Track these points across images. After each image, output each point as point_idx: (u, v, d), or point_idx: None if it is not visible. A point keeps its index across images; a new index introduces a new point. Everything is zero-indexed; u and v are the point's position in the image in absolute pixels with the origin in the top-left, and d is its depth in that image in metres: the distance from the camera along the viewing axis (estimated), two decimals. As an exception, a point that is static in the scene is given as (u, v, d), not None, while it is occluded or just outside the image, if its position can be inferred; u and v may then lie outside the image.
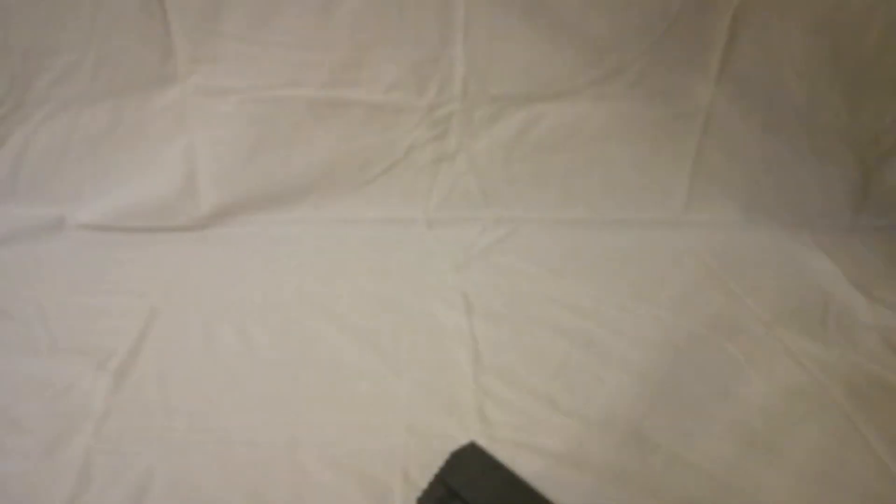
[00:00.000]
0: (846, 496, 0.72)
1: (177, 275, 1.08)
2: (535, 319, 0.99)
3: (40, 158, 1.16)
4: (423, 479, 0.71)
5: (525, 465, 0.73)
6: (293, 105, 1.14)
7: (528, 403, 0.83)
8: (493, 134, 1.20)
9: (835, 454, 0.77)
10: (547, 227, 1.24)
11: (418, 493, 0.70)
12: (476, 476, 0.71)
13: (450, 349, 0.92)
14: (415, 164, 1.21)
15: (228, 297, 1.02)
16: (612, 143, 1.20)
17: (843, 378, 0.88)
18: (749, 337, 0.96)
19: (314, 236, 1.20)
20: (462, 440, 0.76)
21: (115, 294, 1.03)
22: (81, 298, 1.01)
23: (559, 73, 1.14)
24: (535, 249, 1.18)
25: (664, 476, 0.73)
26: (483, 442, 0.76)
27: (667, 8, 1.09)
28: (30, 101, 1.12)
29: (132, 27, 1.06)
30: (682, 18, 1.09)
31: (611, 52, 1.12)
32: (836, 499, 0.72)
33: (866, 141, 1.21)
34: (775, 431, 0.80)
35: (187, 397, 0.82)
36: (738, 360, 0.92)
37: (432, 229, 1.23)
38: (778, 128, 1.20)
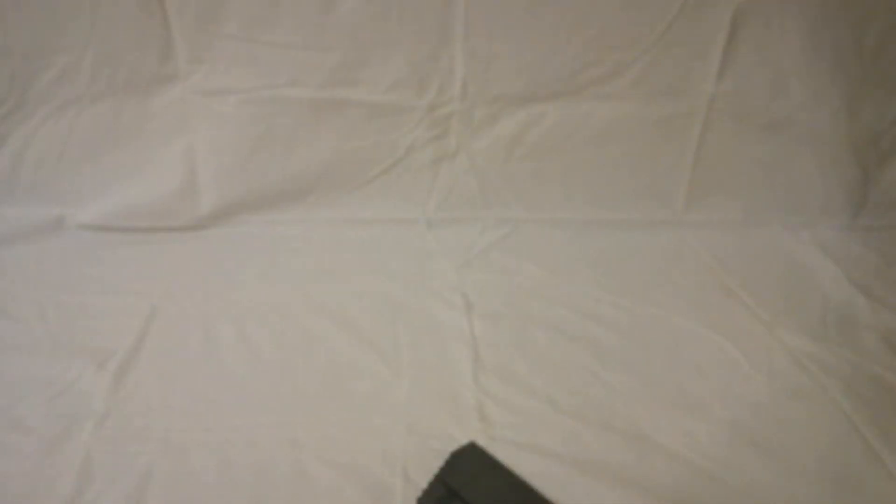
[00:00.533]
0: (846, 496, 0.72)
1: (177, 275, 1.08)
2: (535, 319, 0.99)
3: (40, 158, 1.16)
4: (423, 479, 0.71)
5: (525, 465, 0.73)
6: (293, 105, 1.14)
7: (528, 403, 0.83)
8: (493, 134, 1.19)
9: (834, 454, 0.77)
10: (547, 227, 1.24)
11: (418, 493, 0.70)
12: (476, 476, 0.71)
13: (450, 349, 0.92)
14: (415, 164, 1.21)
15: (228, 297, 1.02)
16: (612, 143, 1.20)
17: (843, 378, 0.88)
18: (749, 337, 0.96)
19: (314, 236, 1.20)
20: (462, 440, 0.76)
21: (115, 294, 1.03)
22: (81, 298, 1.01)
23: (559, 73, 1.14)
24: (535, 249, 1.18)
25: (664, 476, 0.73)
26: (483, 442, 0.76)
27: (667, 7, 1.09)
28: (30, 101, 1.12)
29: (132, 27, 1.06)
30: (682, 18, 1.09)
31: (611, 52, 1.12)
32: (835, 498, 0.72)
33: (866, 141, 1.21)
34: (775, 431, 0.80)
35: (187, 397, 0.82)
36: (738, 360, 0.92)
37: (432, 229, 1.23)
38: (778, 128, 1.20)
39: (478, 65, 1.13)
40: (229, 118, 1.15)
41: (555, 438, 0.77)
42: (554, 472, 0.73)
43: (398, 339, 0.94)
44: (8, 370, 0.86)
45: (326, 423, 0.79)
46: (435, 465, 0.72)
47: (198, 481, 0.71)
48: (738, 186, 1.24)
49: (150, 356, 0.89)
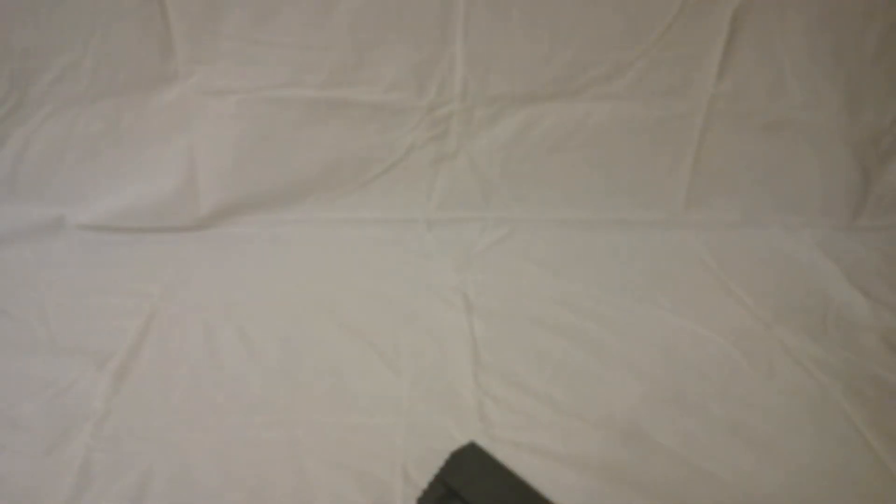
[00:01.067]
0: (846, 496, 0.72)
1: (177, 275, 1.08)
2: (535, 319, 0.99)
3: (40, 158, 1.16)
4: (423, 479, 0.71)
5: (525, 465, 0.73)
6: (293, 105, 1.14)
7: (528, 403, 0.83)
8: (493, 134, 1.19)
9: (834, 454, 0.77)
10: (547, 227, 1.24)
11: (418, 493, 0.70)
12: (476, 476, 0.71)
13: (450, 349, 0.92)
14: (415, 164, 1.21)
15: (228, 297, 1.02)
16: (612, 143, 1.20)
17: (843, 378, 0.88)
18: (749, 337, 0.96)
19: (314, 236, 1.20)
20: (462, 440, 0.76)
21: (115, 294, 1.03)
22: (81, 298, 1.01)
23: (559, 73, 1.14)
24: (535, 249, 1.18)
25: (664, 476, 0.73)
26: (483, 442, 0.76)
27: (667, 8, 1.09)
28: (30, 101, 1.11)
29: (132, 27, 1.06)
30: (682, 18, 1.09)
31: (611, 52, 1.12)
32: (835, 499, 0.72)
33: (866, 141, 1.21)
34: (775, 431, 0.80)
35: (187, 397, 0.82)
36: (738, 360, 0.92)
37: (432, 229, 1.23)
38: (778, 128, 1.20)
39: (478, 65, 1.13)
40: (229, 118, 1.15)
41: (555, 438, 0.77)
42: (554, 472, 0.73)
43: (398, 339, 0.94)
44: (8, 370, 0.86)
45: (326, 422, 0.79)
46: (435, 465, 0.72)
47: (197, 481, 0.71)
48: (738, 186, 1.24)
49: (150, 356, 0.89)
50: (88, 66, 1.09)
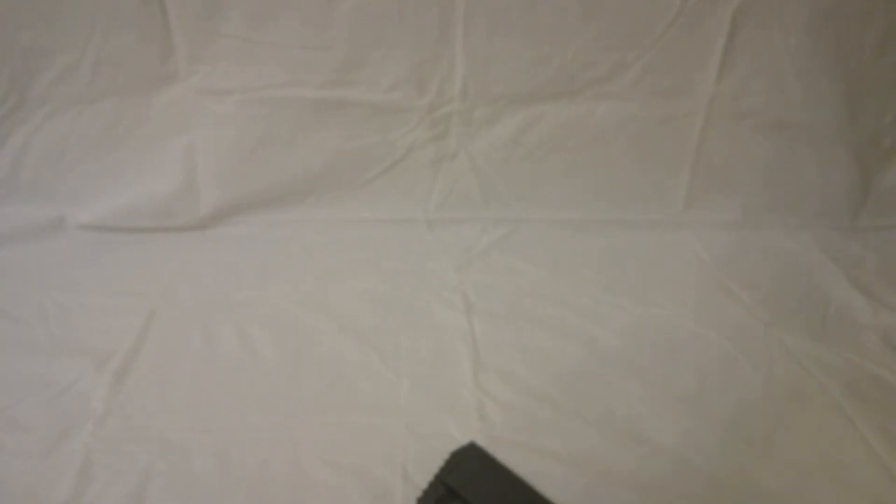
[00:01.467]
0: (845, 496, 0.72)
1: (177, 275, 1.08)
2: (535, 319, 0.99)
3: (40, 158, 1.16)
4: (423, 479, 0.71)
5: (525, 465, 0.73)
6: (293, 105, 1.14)
7: (528, 403, 0.83)
8: (493, 134, 1.19)
9: (834, 454, 0.77)
10: (547, 227, 1.24)
11: (418, 493, 0.70)
12: (476, 476, 0.71)
13: (450, 349, 0.92)
14: (415, 164, 1.21)
15: (228, 297, 1.02)
16: (612, 143, 1.20)
17: (842, 378, 0.88)
18: (749, 337, 0.96)
19: (314, 236, 1.20)
20: (462, 440, 0.76)
21: (115, 294, 1.03)
22: (81, 298, 1.01)
23: (559, 73, 1.14)
24: (535, 249, 1.18)
25: (664, 476, 0.73)
26: (483, 442, 0.76)
27: (666, 8, 1.09)
28: (30, 101, 1.11)
29: (132, 27, 1.06)
30: (682, 19, 1.10)
31: (611, 52, 1.12)
32: (835, 498, 0.72)
33: (866, 141, 1.21)
34: (775, 431, 0.80)
35: (187, 397, 0.82)
36: (737, 360, 0.92)
37: (432, 229, 1.23)
38: (778, 128, 1.20)
39: (478, 65, 1.13)
40: (229, 118, 1.15)
41: (555, 438, 0.77)
42: (554, 472, 0.73)
43: (398, 339, 0.94)
44: (8, 370, 0.86)
45: (326, 422, 0.79)
46: (435, 465, 0.72)
47: (198, 481, 0.71)
48: (738, 186, 1.24)
49: (150, 356, 0.89)
50: (88, 66, 1.09)
